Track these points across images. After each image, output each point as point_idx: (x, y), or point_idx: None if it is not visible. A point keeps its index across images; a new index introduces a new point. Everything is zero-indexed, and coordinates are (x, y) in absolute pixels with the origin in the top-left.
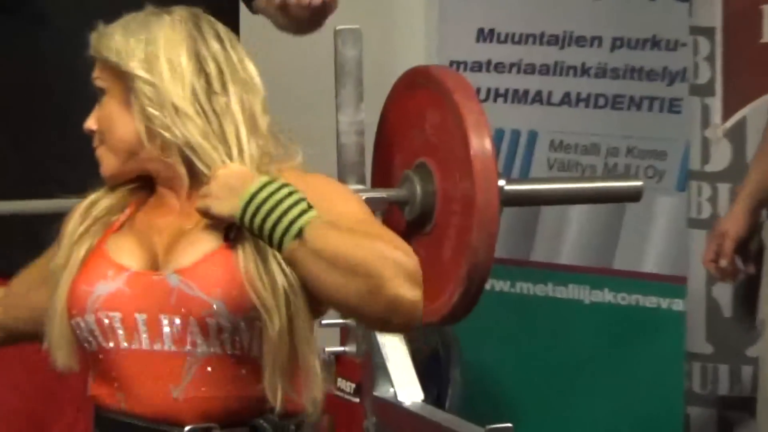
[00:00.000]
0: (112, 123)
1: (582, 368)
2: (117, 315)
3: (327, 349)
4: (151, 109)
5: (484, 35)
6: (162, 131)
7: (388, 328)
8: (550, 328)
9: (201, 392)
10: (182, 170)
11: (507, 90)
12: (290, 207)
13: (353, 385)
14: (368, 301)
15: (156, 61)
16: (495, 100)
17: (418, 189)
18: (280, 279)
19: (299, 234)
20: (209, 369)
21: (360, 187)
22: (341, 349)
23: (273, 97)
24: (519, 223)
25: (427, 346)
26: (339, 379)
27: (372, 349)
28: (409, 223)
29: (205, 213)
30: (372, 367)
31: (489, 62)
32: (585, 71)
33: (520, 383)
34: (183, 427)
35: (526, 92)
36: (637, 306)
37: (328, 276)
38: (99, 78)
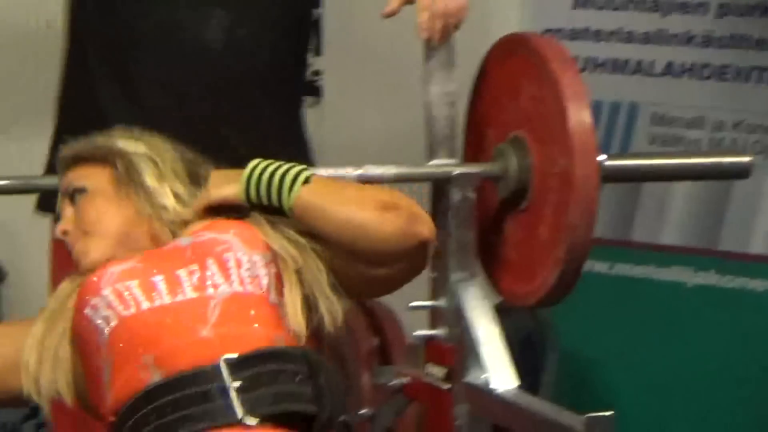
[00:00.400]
0: (101, 215)
1: (685, 355)
2: (134, 282)
3: (416, 333)
4: (150, 181)
5: (582, 1)
6: (161, 201)
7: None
8: (650, 312)
9: (229, 327)
10: (169, 237)
11: (606, 60)
12: (291, 166)
13: (443, 371)
14: (385, 215)
15: (148, 145)
16: (593, 71)
17: (513, 164)
18: (291, 233)
19: (307, 181)
20: (232, 306)
21: (451, 161)
22: (431, 333)
23: (357, 65)
24: (619, 201)
25: (521, 331)
26: (428, 365)
27: (463, 333)
28: (503, 199)
29: (206, 205)
30: (463, 351)
31: (587, 30)
32: (689, 40)
33: (619, 370)
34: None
35: (626, 62)
36: (745, 289)
37: (346, 206)
38: (77, 178)
